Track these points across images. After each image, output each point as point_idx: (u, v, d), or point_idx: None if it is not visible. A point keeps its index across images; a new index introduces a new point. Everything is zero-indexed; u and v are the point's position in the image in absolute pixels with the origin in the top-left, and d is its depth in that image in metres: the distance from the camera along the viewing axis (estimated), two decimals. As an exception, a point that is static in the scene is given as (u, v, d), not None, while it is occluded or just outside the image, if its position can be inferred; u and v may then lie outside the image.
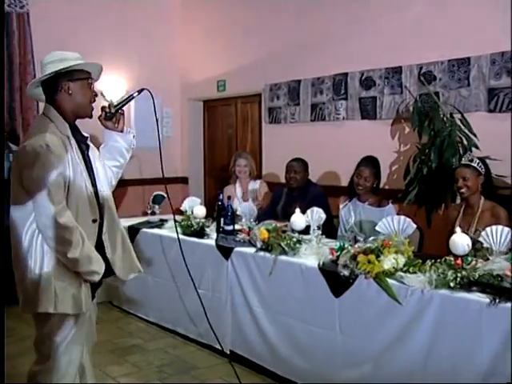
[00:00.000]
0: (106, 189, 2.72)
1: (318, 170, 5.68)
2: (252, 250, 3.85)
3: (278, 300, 3.67)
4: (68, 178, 2.48)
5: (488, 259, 2.93)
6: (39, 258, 2.47)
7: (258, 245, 3.80)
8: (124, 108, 2.80)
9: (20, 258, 2.50)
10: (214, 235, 4.34)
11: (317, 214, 3.85)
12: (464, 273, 2.78)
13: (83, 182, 2.55)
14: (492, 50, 4.59)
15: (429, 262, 2.98)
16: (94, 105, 2.69)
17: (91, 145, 2.74)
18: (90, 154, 2.69)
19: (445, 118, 4.61)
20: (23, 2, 6.43)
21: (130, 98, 2.81)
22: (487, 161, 4.16)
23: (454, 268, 2.84)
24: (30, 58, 6.46)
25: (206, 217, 4.58)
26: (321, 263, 3.38)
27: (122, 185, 4.72)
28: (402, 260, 3.07)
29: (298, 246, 3.65)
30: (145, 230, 4.92)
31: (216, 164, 7.75)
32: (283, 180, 5.14)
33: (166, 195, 5.32)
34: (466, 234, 3.11)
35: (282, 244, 3.65)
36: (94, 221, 2.61)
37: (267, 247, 3.74)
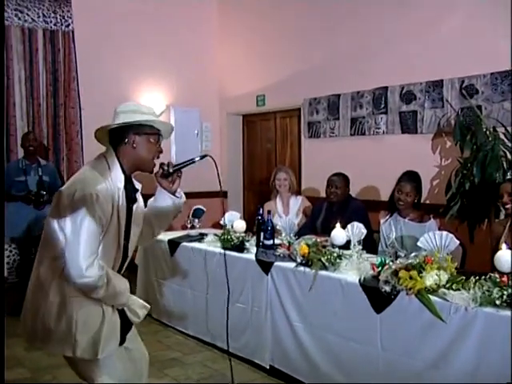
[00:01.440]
0: (134, 243, 2.68)
1: (358, 185, 5.65)
2: (292, 264, 3.83)
3: (318, 315, 3.65)
4: (106, 229, 2.43)
5: (534, 276, 2.86)
6: (56, 303, 2.43)
7: (298, 259, 3.79)
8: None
9: (41, 287, 2.47)
10: (254, 249, 4.35)
11: (357, 229, 3.83)
12: (510, 290, 2.72)
13: (117, 235, 2.50)
14: (536, 63, 4.52)
15: (473, 279, 2.92)
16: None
17: (139, 197, 2.68)
18: (135, 206, 2.63)
19: (487, 132, 4.55)
20: (68, 21, 6.63)
21: (190, 162, 2.69)
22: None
23: (499, 285, 2.78)
24: (74, 74, 6.64)
25: (246, 231, 4.60)
26: (362, 279, 3.35)
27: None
28: (444, 276, 3.01)
29: (338, 261, 3.62)
30: (185, 243, 4.95)
31: (255, 178, 7.77)
32: (323, 194, 5.13)
33: (204, 209, 5.40)
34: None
35: (323, 259, 3.63)
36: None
37: (307, 262, 3.73)
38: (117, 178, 2.49)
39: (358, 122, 5.93)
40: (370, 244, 4.28)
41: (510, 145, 4.45)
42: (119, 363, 2.58)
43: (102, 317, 2.47)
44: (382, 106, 5.64)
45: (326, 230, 4.13)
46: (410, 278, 3.03)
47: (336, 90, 6.16)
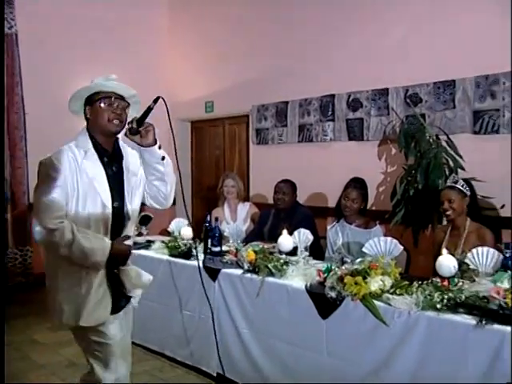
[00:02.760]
0: (133, 205, 2.76)
1: (306, 191, 5.69)
2: (239, 271, 3.82)
3: (265, 322, 3.65)
4: (76, 190, 2.58)
5: (474, 281, 2.93)
6: (52, 269, 2.69)
7: (245, 266, 3.78)
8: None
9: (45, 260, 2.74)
10: (202, 256, 4.32)
11: (304, 236, 3.85)
12: (450, 294, 2.78)
13: (97, 197, 2.62)
14: (476, 73, 4.65)
15: (415, 284, 2.97)
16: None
17: (129, 159, 2.77)
18: (125, 168, 2.74)
19: (431, 140, 4.65)
20: (11, 23, 6.44)
21: (148, 110, 2.73)
22: (473, 182, 4.20)
23: (440, 289, 2.84)
24: (17, 79, 6.47)
25: (193, 238, 4.56)
26: (308, 285, 3.37)
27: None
28: (388, 281, 3.06)
29: (285, 267, 3.63)
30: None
31: (203, 185, 7.74)
32: (271, 201, 5.14)
33: (152, 216, 5.33)
34: (453, 255, 3.12)
35: (269, 265, 3.63)
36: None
37: (254, 269, 3.72)
38: (82, 143, 2.66)
39: (306, 129, 5.98)
40: (317, 250, 4.31)
41: (451, 152, 4.56)
42: (114, 330, 2.73)
43: (86, 286, 2.61)
44: (330, 113, 5.71)
45: (274, 237, 4.14)
46: (355, 283, 3.06)
47: (284, 97, 6.20)
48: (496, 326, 2.55)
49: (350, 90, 5.50)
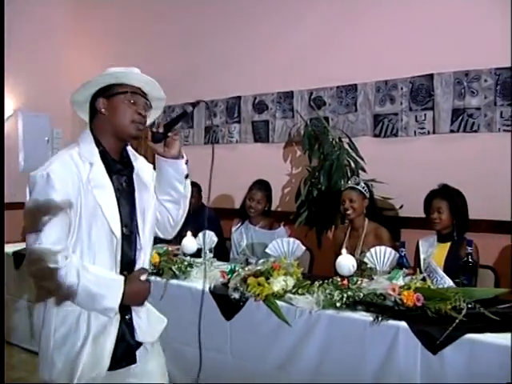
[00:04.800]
0: (148, 233, 2.24)
1: (212, 193, 5.63)
2: (143, 274, 3.75)
3: (169, 324, 3.59)
4: (76, 217, 2.03)
5: (372, 279, 3.02)
6: (39, 314, 2.13)
7: (149, 269, 3.72)
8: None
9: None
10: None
11: (208, 237, 3.84)
12: (350, 293, 2.86)
13: (105, 221, 2.07)
14: (377, 78, 4.80)
15: (317, 283, 3.03)
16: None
17: (140, 170, 2.27)
18: (136, 182, 2.23)
19: (333, 142, 4.76)
20: None
21: (182, 115, 2.28)
22: (374, 183, 4.34)
23: (340, 288, 2.92)
24: None
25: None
26: (212, 286, 3.36)
27: (12, 208, 4.51)
28: (291, 282, 3.11)
29: (189, 269, 3.61)
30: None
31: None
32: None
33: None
34: (352, 255, 3.21)
35: (173, 268, 3.60)
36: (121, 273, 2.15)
37: (158, 271, 3.68)
38: (87, 153, 2.10)
39: (212, 131, 5.97)
40: (223, 252, 4.31)
41: (353, 154, 4.69)
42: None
43: (85, 334, 2.07)
44: (236, 115, 5.73)
45: (178, 239, 4.10)
46: (258, 284, 3.09)
47: (190, 98, 6.12)
48: (391, 322, 2.66)
49: (255, 93, 5.53)
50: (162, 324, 2.36)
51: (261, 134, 5.57)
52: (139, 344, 2.22)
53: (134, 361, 2.20)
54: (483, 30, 4.24)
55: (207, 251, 3.80)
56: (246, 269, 3.29)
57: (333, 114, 5.09)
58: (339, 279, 3.00)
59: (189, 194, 2.34)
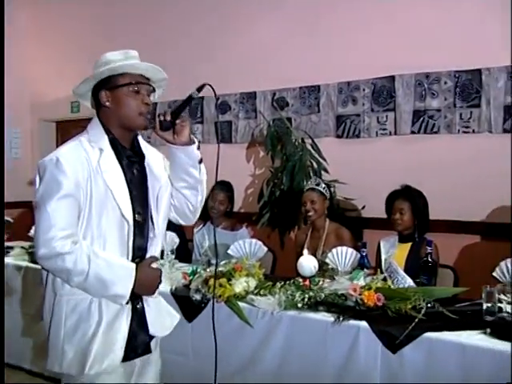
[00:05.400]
0: (159, 218, 2.20)
1: (175, 194, 5.62)
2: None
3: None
4: (86, 202, 2.01)
5: (334, 279, 3.03)
6: (49, 303, 2.09)
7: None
8: None
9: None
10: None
11: (170, 238, 3.80)
12: (311, 293, 2.86)
13: (116, 207, 2.04)
14: (339, 79, 4.83)
15: (278, 284, 3.03)
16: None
17: (151, 159, 2.24)
18: (148, 171, 2.20)
19: (296, 143, 4.77)
20: None
21: (188, 100, 2.20)
22: (336, 184, 4.36)
23: (302, 289, 2.92)
24: None
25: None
26: (173, 288, 3.33)
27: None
28: (253, 283, 3.10)
29: (150, 271, 3.56)
30: (-13, 258, 4.57)
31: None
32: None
33: (12, 220, 5.04)
34: (314, 255, 3.21)
35: (134, 269, 3.55)
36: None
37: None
38: (96, 139, 2.09)
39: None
40: (185, 253, 4.28)
41: (316, 155, 4.70)
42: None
43: (97, 322, 2.04)
44: (198, 115, 5.70)
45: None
46: (220, 285, 3.07)
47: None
48: (352, 322, 2.67)
49: (218, 93, 5.43)
50: (173, 319, 2.35)
51: (224, 134, 5.54)
52: (151, 337, 2.22)
53: (148, 350, 2.21)
54: (443, 33, 4.30)
55: (169, 252, 3.75)
56: (208, 270, 3.27)
57: (295, 115, 5.10)
58: (301, 280, 3.00)
59: (205, 178, 2.31)
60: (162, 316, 2.26)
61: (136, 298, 2.11)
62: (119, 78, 2.11)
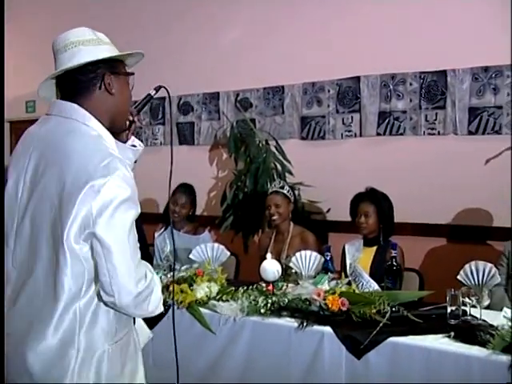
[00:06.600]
0: None
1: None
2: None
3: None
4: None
5: (298, 284, 2.98)
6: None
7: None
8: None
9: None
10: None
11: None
12: (274, 298, 2.81)
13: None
14: (303, 80, 4.78)
15: (241, 290, 2.97)
16: None
17: None
18: None
19: (260, 145, 4.70)
20: None
21: (148, 99, 2.04)
22: (301, 187, 4.30)
23: (265, 294, 2.87)
24: None
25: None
26: (133, 294, 3.22)
27: None
28: (215, 288, 3.04)
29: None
30: None
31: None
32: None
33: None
34: (278, 259, 3.15)
35: (93, 275, 3.44)
36: None
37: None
38: (111, 142, 1.74)
39: (136, 133, 5.78)
40: (146, 258, 4.15)
41: (280, 157, 4.64)
42: None
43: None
44: (160, 116, 5.58)
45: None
46: (181, 291, 3.00)
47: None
48: (316, 327, 2.63)
49: (180, 93, 5.39)
50: (147, 333, 2.24)
51: (186, 136, 5.43)
52: None
53: None
54: (409, 34, 4.29)
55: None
56: (169, 275, 3.18)
57: (259, 116, 5.03)
58: (264, 285, 2.94)
59: None
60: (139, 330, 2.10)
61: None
62: (121, 65, 1.84)
